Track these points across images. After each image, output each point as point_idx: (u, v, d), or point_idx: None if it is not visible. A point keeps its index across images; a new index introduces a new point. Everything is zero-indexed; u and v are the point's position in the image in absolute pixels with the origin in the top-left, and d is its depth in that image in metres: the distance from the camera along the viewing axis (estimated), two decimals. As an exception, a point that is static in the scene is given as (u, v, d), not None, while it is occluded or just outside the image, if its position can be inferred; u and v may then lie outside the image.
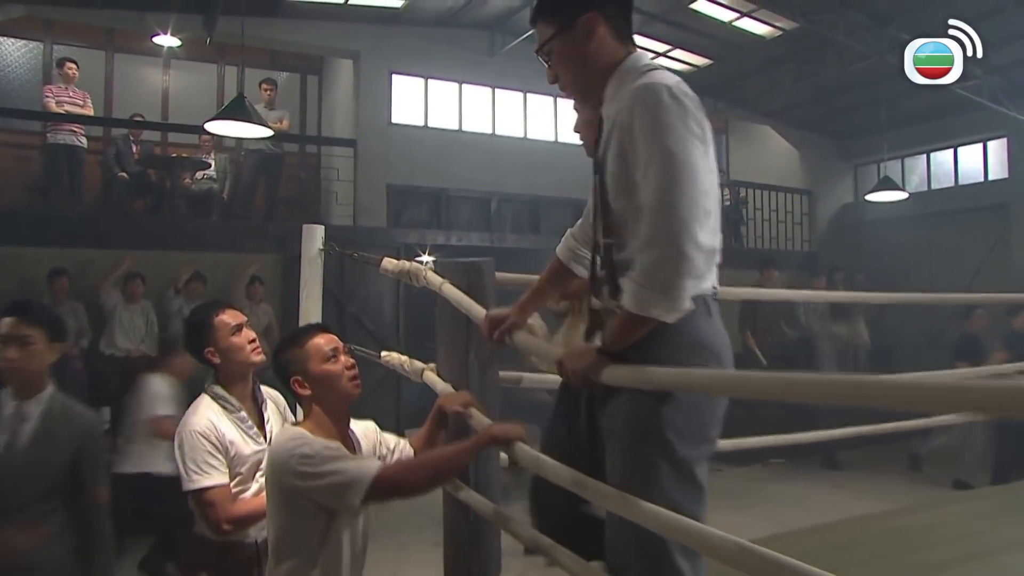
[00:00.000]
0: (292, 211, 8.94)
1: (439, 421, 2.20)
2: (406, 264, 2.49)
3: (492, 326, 1.90)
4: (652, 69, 1.52)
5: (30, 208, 7.58)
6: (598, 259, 1.65)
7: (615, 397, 1.54)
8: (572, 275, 1.89)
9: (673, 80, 1.46)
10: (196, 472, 2.13)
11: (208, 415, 2.20)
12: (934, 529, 3.35)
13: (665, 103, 1.40)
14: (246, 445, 2.24)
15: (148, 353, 6.29)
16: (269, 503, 1.87)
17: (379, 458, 2.09)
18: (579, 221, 1.86)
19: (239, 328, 2.29)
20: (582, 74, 1.58)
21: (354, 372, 1.98)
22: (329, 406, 1.93)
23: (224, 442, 2.18)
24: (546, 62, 1.61)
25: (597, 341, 1.61)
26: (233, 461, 2.20)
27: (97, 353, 6.28)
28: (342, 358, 1.97)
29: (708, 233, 1.39)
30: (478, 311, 2.06)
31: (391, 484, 1.76)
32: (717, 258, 1.48)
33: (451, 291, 2.22)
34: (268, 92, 8.09)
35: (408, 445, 2.22)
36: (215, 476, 2.14)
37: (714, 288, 1.53)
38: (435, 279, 2.32)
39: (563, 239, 1.92)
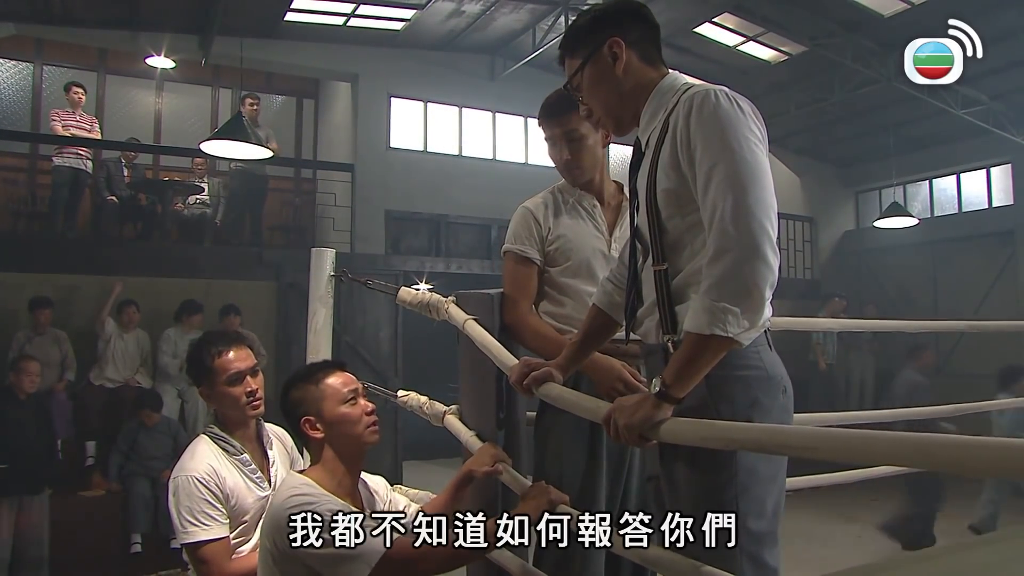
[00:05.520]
0: (287, 237, 8.74)
1: (463, 485, 1.96)
2: (425, 295, 2.26)
3: (523, 374, 1.68)
4: (692, 85, 1.45)
5: (14, 232, 7.32)
6: (639, 292, 1.52)
7: (674, 448, 1.39)
8: (614, 324, 1.70)
9: (723, 87, 1.40)
10: (192, 523, 1.89)
11: (207, 459, 1.97)
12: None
13: (723, 106, 1.34)
14: (249, 492, 2.00)
15: (142, 384, 6.03)
16: (261, 560, 1.65)
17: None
18: (614, 266, 1.76)
19: (240, 377, 2.03)
20: (613, 101, 1.53)
21: (373, 418, 1.79)
22: (343, 452, 1.73)
23: (224, 489, 1.95)
24: (578, 98, 1.57)
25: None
26: (235, 511, 1.97)
27: (86, 384, 5.99)
28: (361, 401, 1.77)
29: (775, 236, 1.28)
30: (506, 358, 1.83)
31: (403, 563, 1.53)
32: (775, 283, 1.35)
33: (476, 330, 1.99)
34: (253, 107, 7.60)
35: (420, 510, 1.98)
36: (214, 529, 1.90)
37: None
38: (458, 314, 2.09)
39: (599, 286, 1.76)
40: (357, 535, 1.52)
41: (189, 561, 1.96)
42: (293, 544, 1.51)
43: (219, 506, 1.93)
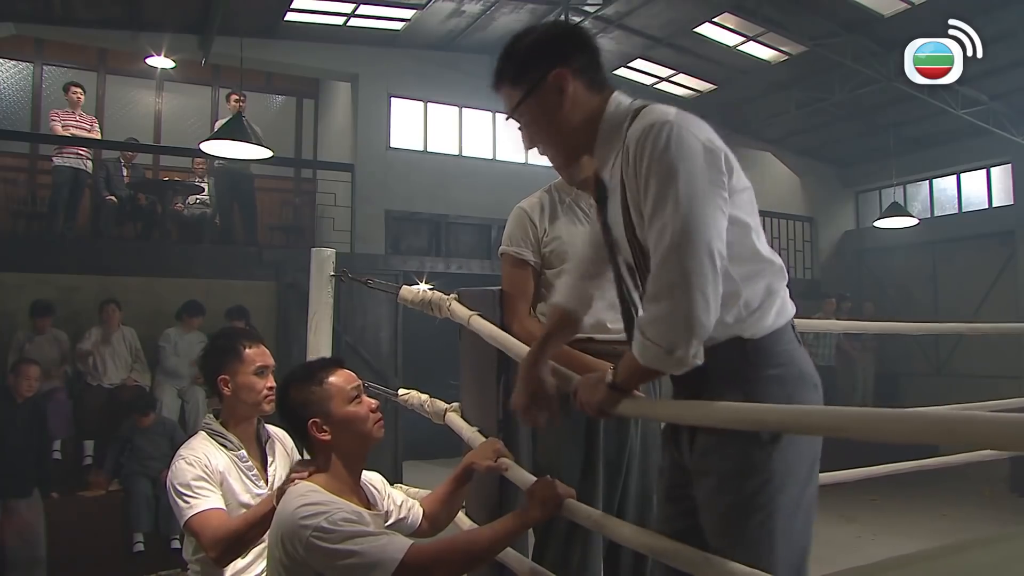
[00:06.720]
0: (287, 237, 8.73)
1: (464, 479, 1.95)
2: (427, 294, 2.25)
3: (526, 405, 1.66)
4: (642, 107, 1.37)
5: (14, 232, 7.32)
6: (635, 308, 1.50)
7: (710, 438, 1.37)
8: (578, 322, 1.69)
9: (671, 113, 1.31)
10: (189, 496, 1.92)
11: (201, 448, 2.01)
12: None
13: (663, 144, 1.26)
14: (244, 489, 2.01)
15: (140, 383, 6.00)
16: (270, 570, 1.63)
17: (385, 514, 1.85)
18: (570, 278, 1.69)
19: (264, 371, 2.09)
20: (561, 136, 1.43)
21: (379, 415, 1.76)
22: (348, 452, 1.70)
23: (215, 476, 1.97)
24: (519, 128, 1.47)
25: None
26: (228, 505, 1.97)
27: (84, 384, 5.96)
28: (364, 398, 1.76)
29: (717, 285, 1.24)
30: (518, 348, 1.83)
31: (420, 569, 1.50)
32: (784, 277, 1.41)
33: (483, 325, 1.99)
34: (238, 103, 7.37)
35: (417, 504, 1.98)
36: (211, 499, 1.92)
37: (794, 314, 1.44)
38: (462, 311, 2.09)
39: (560, 284, 1.73)
40: (374, 543, 1.50)
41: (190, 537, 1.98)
42: (306, 553, 1.49)
43: (210, 484, 1.95)
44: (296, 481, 1.67)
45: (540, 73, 1.39)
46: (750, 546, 1.32)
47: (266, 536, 1.83)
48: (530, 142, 1.47)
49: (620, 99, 1.42)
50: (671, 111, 1.31)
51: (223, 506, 1.94)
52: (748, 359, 1.34)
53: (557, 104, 1.39)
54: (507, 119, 1.48)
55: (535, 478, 1.71)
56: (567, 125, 1.41)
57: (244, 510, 1.99)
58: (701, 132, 1.29)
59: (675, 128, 1.27)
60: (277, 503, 1.67)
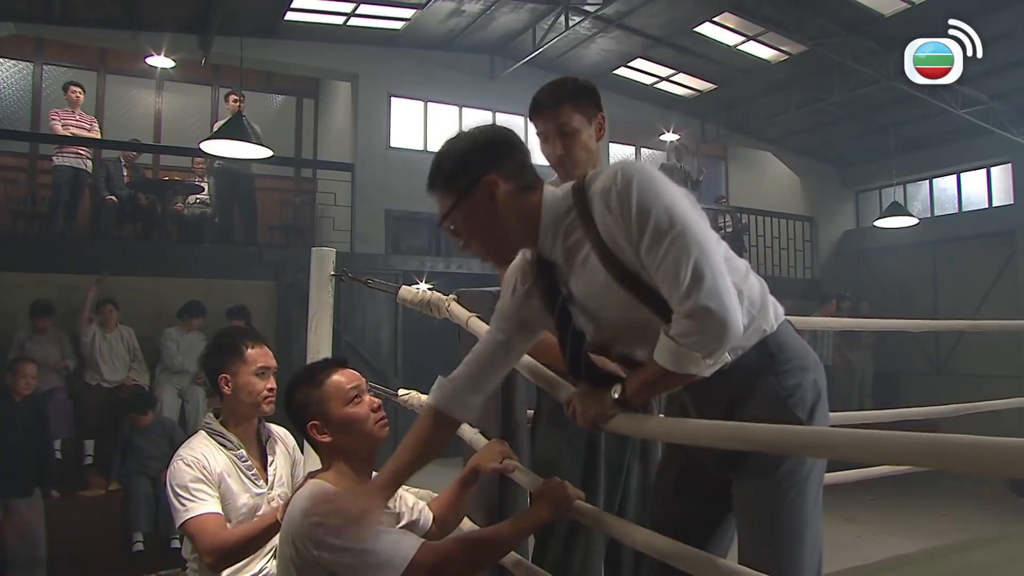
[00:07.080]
0: (287, 237, 8.73)
1: (470, 481, 1.94)
2: (426, 294, 2.26)
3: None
4: (583, 177, 1.42)
5: (14, 232, 7.32)
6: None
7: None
8: (456, 427, 1.68)
9: (623, 161, 1.39)
10: (187, 499, 1.93)
11: (200, 449, 2.01)
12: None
13: (642, 184, 1.31)
14: (243, 489, 2.01)
15: (139, 382, 6.01)
16: (281, 567, 1.62)
17: (397, 515, 1.85)
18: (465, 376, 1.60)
19: (265, 371, 2.09)
20: (496, 238, 1.45)
21: (381, 413, 1.75)
22: (352, 453, 1.68)
23: (213, 476, 1.97)
24: (452, 232, 1.48)
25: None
26: (227, 504, 1.98)
27: (82, 384, 5.97)
28: (366, 398, 1.74)
29: (731, 286, 1.31)
30: None
31: (430, 568, 1.50)
32: (764, 288, 1.46)
33: (481, 327, 1.98)
34: (237, 103, 7.28)
35: (427, 508, 1.97)
36: (208, 503, 1.93)
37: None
38: (461, 312, 2.09)
39: (438, 388, 1.61)
40: (385, 541, 1.50)
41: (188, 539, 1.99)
42: (316, 551, 1.48)
43: (208, 488, 1.95)
44: (307, 480, 1.68)
45: (471, 180, 1.39)
46: (782, 526, 1.39)
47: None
48: (465, 243, 1.47)
49: (550, 190, 1.46)
50: (618, 162, 1.37)
51: (220, 510, 1.94)
52: (773, 355, 1.42)
53: (490, 208, 1.40)
54: (439, 224, 1.48)
55: (540, 479, 1.71)
56: (501, 227, 1.42)
57: (243, 510, 2.00)
58: (651, 167, 1.37)
59: (641, 169, 1.33)
60: (281, 518, 1.66)
